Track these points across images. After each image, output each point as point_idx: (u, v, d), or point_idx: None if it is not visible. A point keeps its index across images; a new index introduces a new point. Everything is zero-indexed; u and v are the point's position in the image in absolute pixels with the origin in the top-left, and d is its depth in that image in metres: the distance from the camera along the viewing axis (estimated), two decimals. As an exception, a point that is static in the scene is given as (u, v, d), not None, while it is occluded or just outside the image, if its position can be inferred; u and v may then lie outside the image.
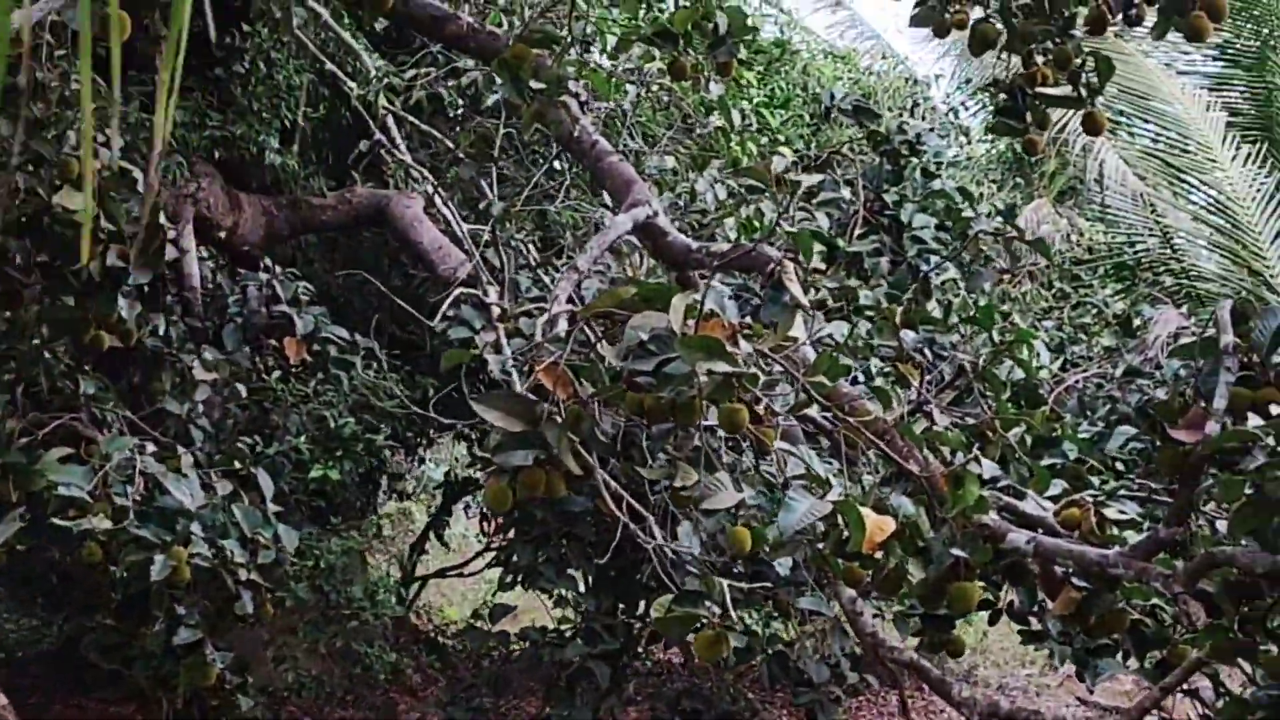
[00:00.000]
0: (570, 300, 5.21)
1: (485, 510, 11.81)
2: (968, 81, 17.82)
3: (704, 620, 4.28)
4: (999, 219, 5.32)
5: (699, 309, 4.29)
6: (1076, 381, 9.08)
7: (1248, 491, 4.11)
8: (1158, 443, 4.58)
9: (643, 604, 8.63)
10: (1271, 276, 10.51)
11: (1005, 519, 4.92)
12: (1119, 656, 6.47)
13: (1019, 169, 15.83)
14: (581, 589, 8.49)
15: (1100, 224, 13.72)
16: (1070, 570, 4.87)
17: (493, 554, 10.12)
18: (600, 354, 4.52)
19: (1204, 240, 11.35)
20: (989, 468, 4.70)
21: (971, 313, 6.18)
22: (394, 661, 9.86)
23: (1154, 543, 4.46)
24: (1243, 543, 4.27)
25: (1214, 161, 11.01)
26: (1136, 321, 9.38)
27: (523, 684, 11.26)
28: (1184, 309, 9.65)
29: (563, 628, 8.65)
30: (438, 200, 7.65)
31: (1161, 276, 11.70)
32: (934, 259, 7.63)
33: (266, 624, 8.14)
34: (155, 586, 6.48)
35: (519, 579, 8.67)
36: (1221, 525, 4.71)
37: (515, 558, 8.50)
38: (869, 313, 5.64)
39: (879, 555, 4.40)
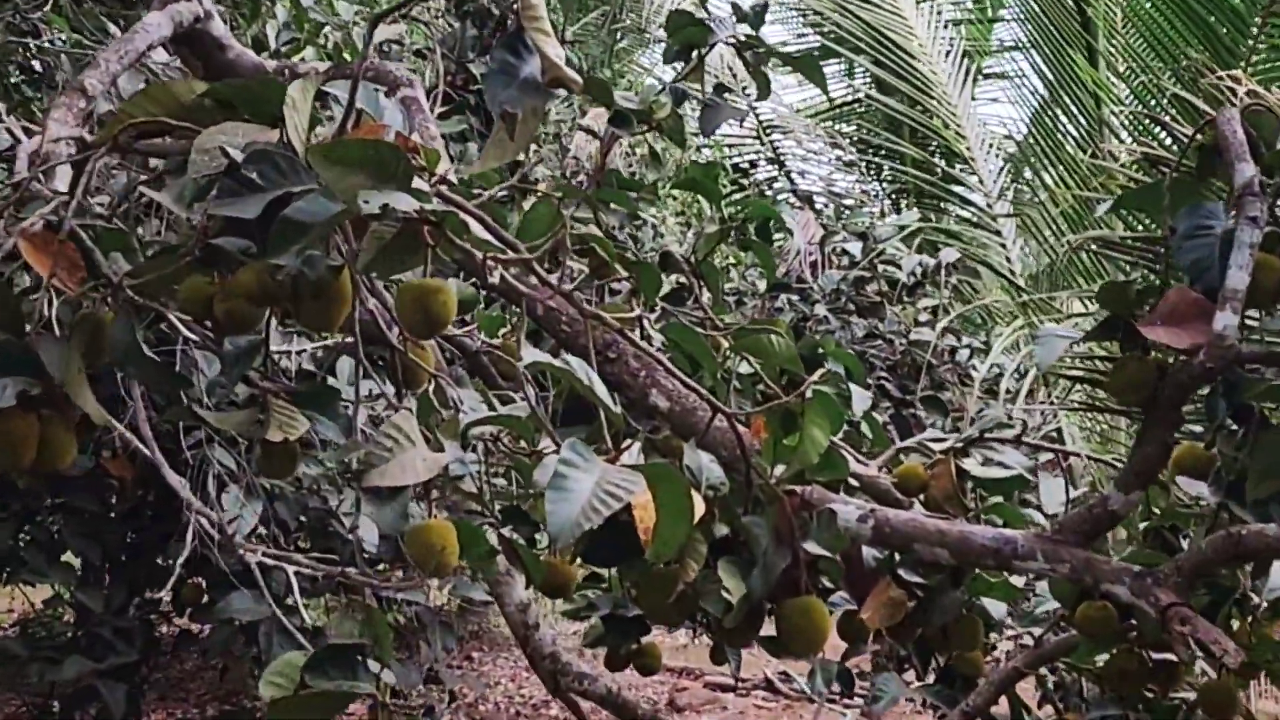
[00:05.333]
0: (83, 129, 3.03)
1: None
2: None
3: (369, 701, 2.21)
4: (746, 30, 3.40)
5: (348, 111, 2.25)
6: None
7: None
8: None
9: (169, 596, 6.39)
10: (966, 149, 9.04)
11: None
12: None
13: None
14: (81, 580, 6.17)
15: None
16: (891, 561, 3.07)
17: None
18: (145, 195, 2.38)
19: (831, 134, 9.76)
20: (859, 398, 2.81)
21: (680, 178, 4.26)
22: None
23: (1100, 516, 2.68)
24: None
25: (898, 14, 9.44)
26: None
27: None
28: (824, 214, 8.11)
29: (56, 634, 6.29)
30: None
31: (776, 179, 10.13)
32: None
33: None
34: None
35: (-8, 569, 6.29)
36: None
37: (-13, 540, 6.11)
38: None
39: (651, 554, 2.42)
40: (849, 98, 10.70)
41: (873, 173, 10.56)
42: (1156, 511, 3.19)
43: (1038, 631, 3.94)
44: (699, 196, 8.04)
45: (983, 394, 6.29)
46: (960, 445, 3.05)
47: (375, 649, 2.17)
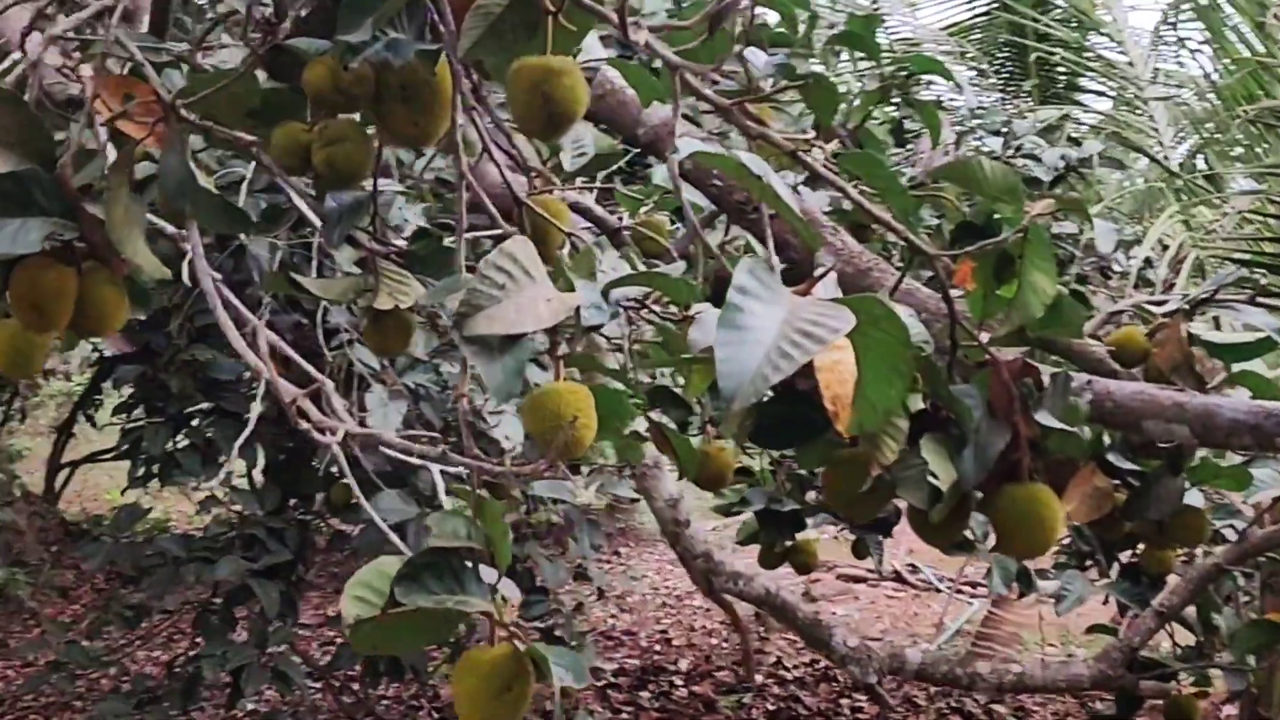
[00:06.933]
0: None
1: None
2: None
3: (477, 621, 1.51)
4: None
5: None
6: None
7: None
8: None
9: (321, 496, 5.79)
10: (1118, 32, 8.01)
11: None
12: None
13: None
14: (236, 483, 5.61)
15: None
16: (1099, 443, 2.33)
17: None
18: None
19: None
20: (1103, 231, 1.91)
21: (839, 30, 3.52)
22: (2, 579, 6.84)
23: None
24: None
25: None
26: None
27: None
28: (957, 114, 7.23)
29: (214, 534, 5.70)
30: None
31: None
32: None
33: None
34: None
35: (153, 472, 5.73)
36: None
37: (145, 444, 5.55)
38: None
39: (843, 427, 1.65)
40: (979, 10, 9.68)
41: (1000, 78, 9.57)
42: None
43: (1239, 525, 3.19)
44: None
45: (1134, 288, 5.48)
46: (1187, 306, 2.29)
47: (490, 551, 1.48)
